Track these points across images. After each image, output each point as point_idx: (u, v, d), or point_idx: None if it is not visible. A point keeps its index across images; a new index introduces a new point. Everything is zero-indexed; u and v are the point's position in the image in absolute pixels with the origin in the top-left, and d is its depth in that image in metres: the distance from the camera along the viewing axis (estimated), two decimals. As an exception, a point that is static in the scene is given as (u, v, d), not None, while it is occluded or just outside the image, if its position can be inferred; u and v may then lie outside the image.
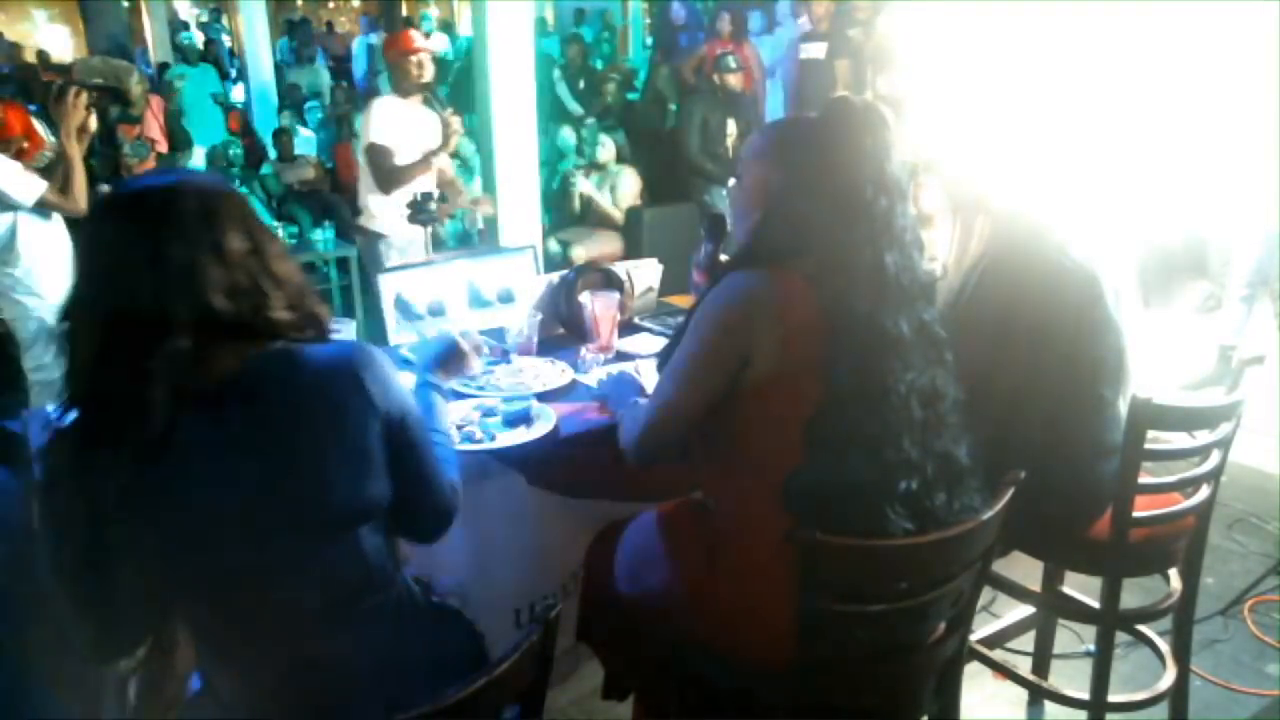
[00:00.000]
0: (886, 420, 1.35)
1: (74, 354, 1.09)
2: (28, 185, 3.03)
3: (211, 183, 1.17)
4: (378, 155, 3.62)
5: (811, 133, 1.47)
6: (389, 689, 1.20)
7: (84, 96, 3.07)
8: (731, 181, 1.56)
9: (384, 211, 3.70)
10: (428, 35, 9.65)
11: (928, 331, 1.42)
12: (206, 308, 1.08)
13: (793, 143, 1.49)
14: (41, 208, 3.09)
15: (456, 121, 3.66)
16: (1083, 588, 2.02)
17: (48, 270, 3.17)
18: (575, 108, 6.93)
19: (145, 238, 1.08)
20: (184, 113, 7.85)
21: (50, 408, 2.03)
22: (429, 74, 3.68)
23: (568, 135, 6.00)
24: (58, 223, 3.20)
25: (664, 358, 1.56)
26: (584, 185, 5.44)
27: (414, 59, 3.63)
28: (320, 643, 1.18)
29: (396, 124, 3.62)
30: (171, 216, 1.09)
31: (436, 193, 3.44)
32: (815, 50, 5.95)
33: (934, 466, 1.38)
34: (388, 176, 3.61)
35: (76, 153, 3.09)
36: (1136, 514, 1.78)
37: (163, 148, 5.46)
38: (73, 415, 1.09)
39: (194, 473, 1.08)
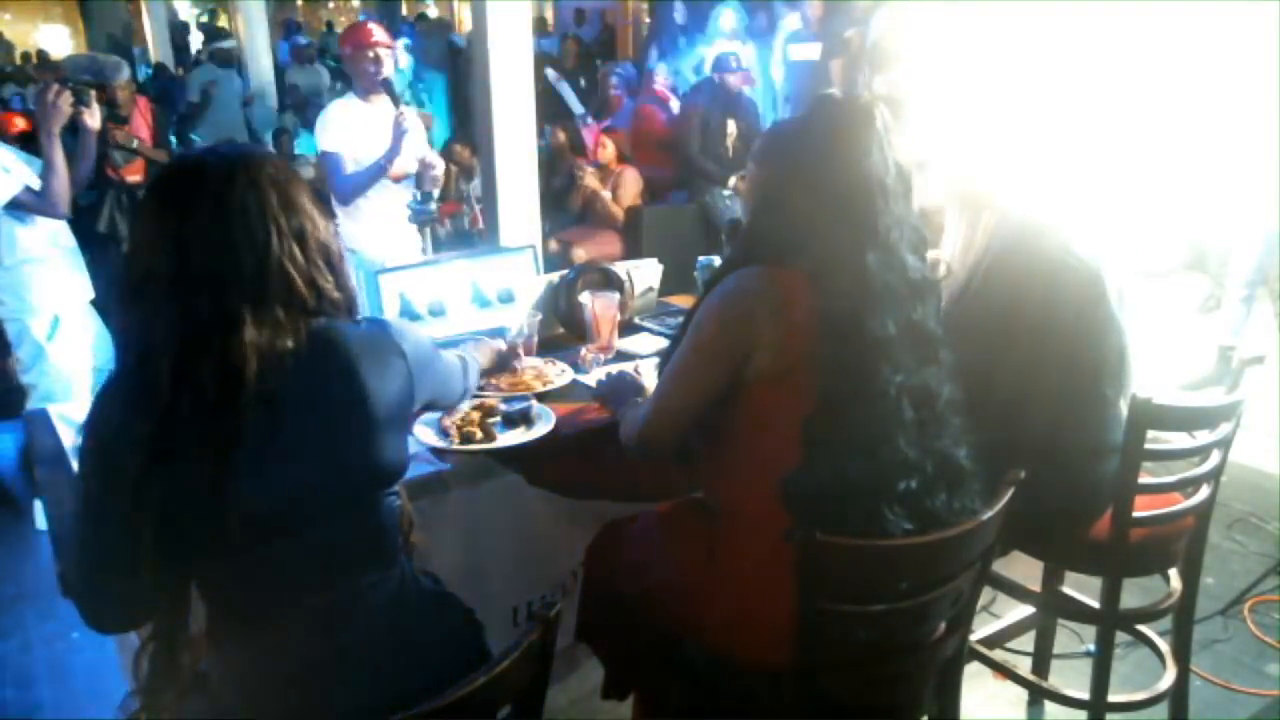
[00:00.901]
0: (878, 421, 1.35)
1: (141, 322, 1.13)
2: None
3: (273, 155, 1.25)
4: (327, 164, 3.37)
5: (792, 133, 1.50)
6: (387, 668, 1.22)
7: (66, 95, 2.95)
8: (727, 200, 1.59)
9: (352, 230, 3.37)
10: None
11: (919, 331, 1.41)
12: (284, 280, 1.15)
13: (776, 143, 1.51)
14: (18, 209, 2.95)
15: (410, 116, 3.28)
16: (1083, 588, 2.02)
17: (37, 274, 3.07)
18: (577, 107, 6.94)
19: (217, 211, 1.13)
20: (218, 115, 7.85)
21: (50, 409, 2.05)
22: (387, 69, 3.38)
23: (559, 136, 6.02)
24: (50, 224, 3.08)
25: (665, 358, 1.57)
26: (590, 179, 5.44)
27: (370, 53, 3.32)
28: (325, 609, 1.20)
29: (352, 128, 3.33)
30: (252, 189, 1.15)
31: (436, 191, 3.40)
32: (807, 51, 5.95)
33: (934, 466, 1.38)
34: (338, 187, 3.34)
35: (57, 153, 2.95)
36: (1136, 514, 1.78)
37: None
38: (118, 382, 1.14)
39: (249, 437, 1.11)
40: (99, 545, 1.13)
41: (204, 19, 14.98)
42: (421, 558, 1.39)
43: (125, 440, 1.09)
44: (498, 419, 1.91)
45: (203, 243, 1.13)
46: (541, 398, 2.03)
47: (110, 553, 1.12)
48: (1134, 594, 1.95)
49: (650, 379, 1.89)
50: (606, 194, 5.44)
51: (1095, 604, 1.90)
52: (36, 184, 2.97)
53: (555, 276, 2.55)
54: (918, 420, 1.38)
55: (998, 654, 2.16)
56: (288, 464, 1.13)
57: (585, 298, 2.34)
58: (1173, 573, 1.98)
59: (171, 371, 1.09)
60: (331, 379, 1.17)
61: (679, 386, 1.47)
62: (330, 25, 15.38)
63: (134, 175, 4.35)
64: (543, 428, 1.90)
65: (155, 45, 11.29)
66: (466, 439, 1.84)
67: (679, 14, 7.57)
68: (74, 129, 3.12)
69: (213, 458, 1.09)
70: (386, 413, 1.21)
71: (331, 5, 17.80)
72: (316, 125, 3.44)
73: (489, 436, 1.85)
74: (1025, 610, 2.29)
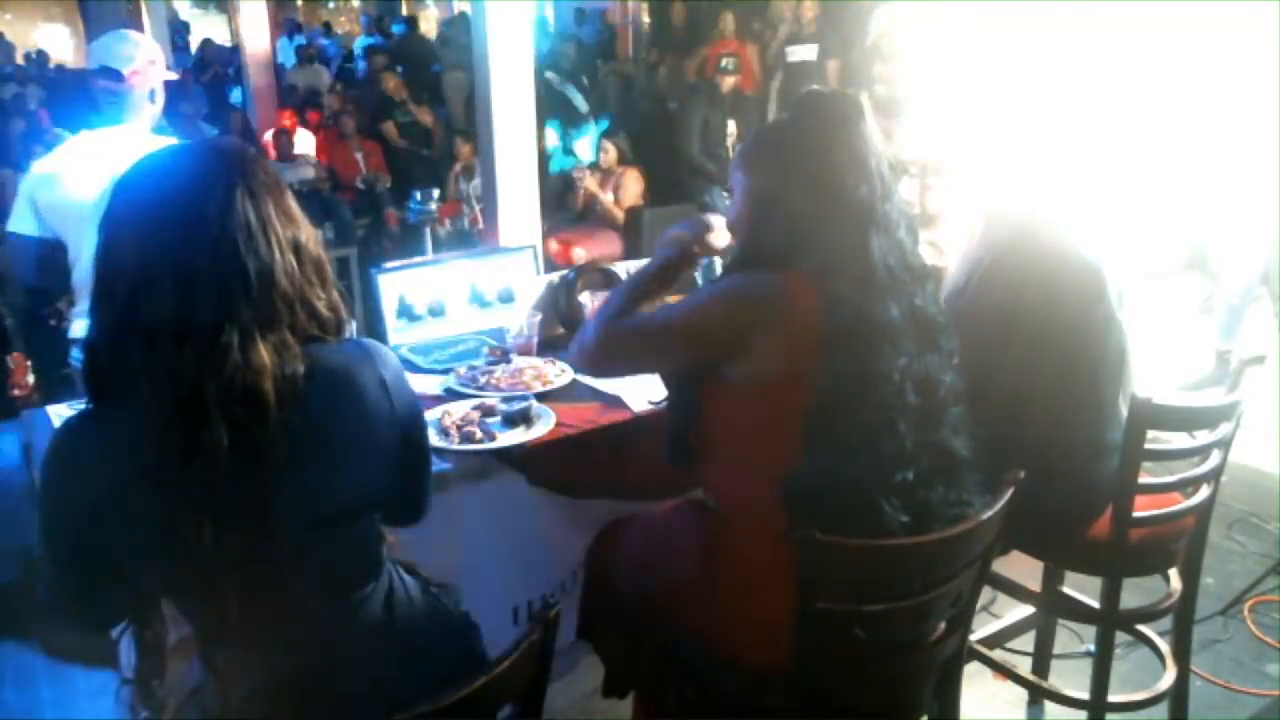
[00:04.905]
0: (882, 407, 1.35)
1: (129, 349, 1.04)
2: None
3: (260, 155, 1.16)
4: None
5: (785, 133, 1.50)
6: (383, 676, 1.21)
7: None
8: (726, 201, 1.58)
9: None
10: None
11: (921, 317, 1.42)
12: (286, 299, 1.09)
13: (769, 146, 1.51)
14: None
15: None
16: (1083, 588, 2.02)
17: None
18: (583, 105, 6.95)
19: (224, 221, 1.05)
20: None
21: (49, 409, 2.05)
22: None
23: (551, 138, 6.03)
24: None
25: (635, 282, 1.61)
26: (589, 182, 5.46)
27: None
28: (317, 631, 1.18)
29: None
30: (252, 198, 1.08)
31: (436, 191, 3.39)
32: (804, 52, 5.95)
33: (930, 458, 1.39)
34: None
35: None
36: (1136, 514, 1.78)
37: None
38: (97, 418, 1.07)
39: (227, 466, 1.04)
40: (68, 577, 1.13)
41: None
42: (396, 550, 1.37)
43: (106, 484, 1.04)
44: (498, 419, 1.91)
45: (211, 259, 1.04)
46: (541, 398, 2.03)
47: (81, 581, 1.12)
48: (1134, 594, 1.95)
49: (648, 383, 1.86)
50: (607, 197, 5.45)
51: (1095, 604, 1.90)
52: None
53: (555, 276, 2.55)
54: (919, 408, 1.38)
55: (998, 654, 2.16)
56: (284, 493, 1.08)
57: (585, 298, 2.34)
58: (1173, 573, 1.98)
59: (180, 404, 1.01)
60: (325, 405, 1.11)
61: (651, 340, 1.51)
62: (329, 25, 15.39)
63: None
64: (543, 428, 1.90)
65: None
66: (466, 439, 1.84)
67: (678, 16, 7.59)
68: None
69: (218, 489, 1.03)
70: (367, 441, 1.17)
71: (331, 5, 17.79)
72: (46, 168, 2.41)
73: (489, 436, 1.85)
74: (1025, 610, 2.29)
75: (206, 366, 1.03)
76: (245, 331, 1.05)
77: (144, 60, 2.41)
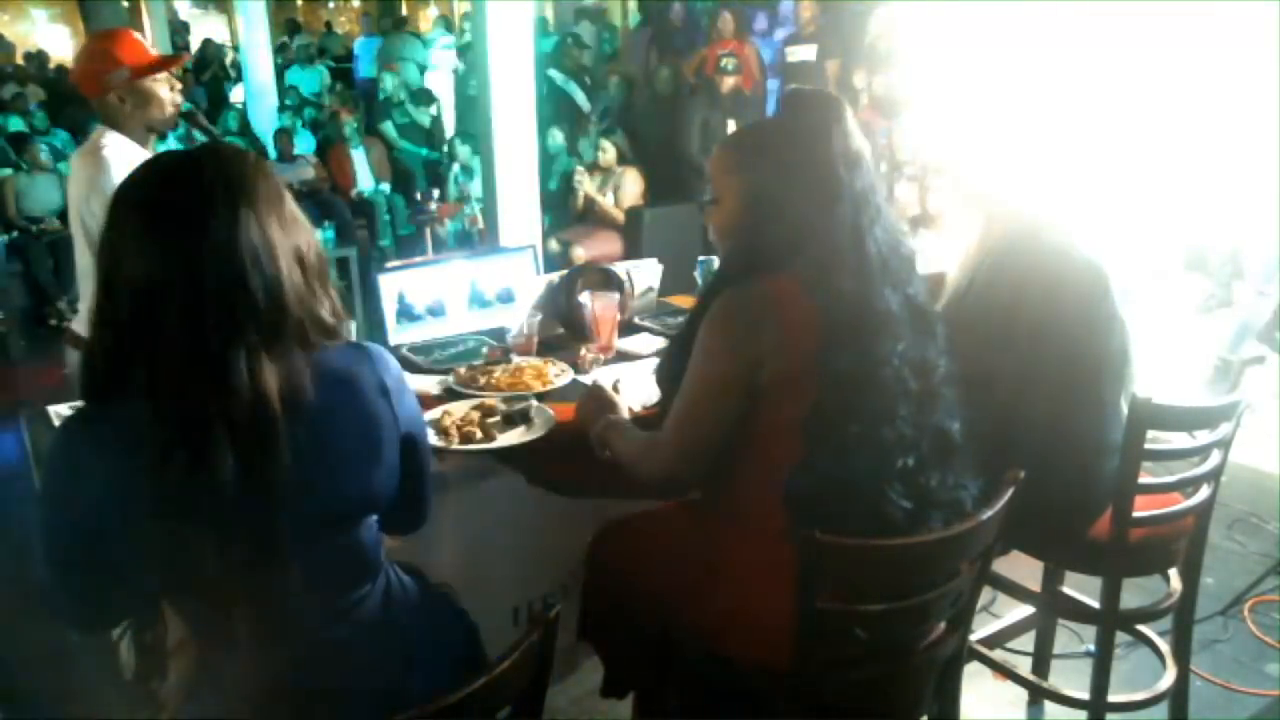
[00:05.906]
0: (882, 395, 1.36)
1: (121, 345, 1.04)
2: None
3: (261, 159, 1.16)
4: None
5: (774, 132, 1.50)
6: (381, 675, 1.21)
7: None
8: (709, 207, 1.55)
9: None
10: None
11: (915, 304, 1.44)
12: (292, 308, 1.08)
13: (759, 146, 1.50)
14: None
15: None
16: (1083, 588, 2.02)
17: None
18: (585, 103, 6.95)
19: (230, 230, 1.04)
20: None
21: (50, 409, 2.04)
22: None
23: (557, 137, 6.02)
24: None
25: (664, 369, 1.56)
26: (587, 185, 5.46)
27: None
28: (315, 632, 1.18)
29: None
30: (252, 206, 1.07)
31: (436, 192, 3.39)
32: (804, 53, 5.96)
33: (928, 443, 1.40)
34: None
35: None
36: (1136, 514, 1.78)
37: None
38: (99, 423, 1.07)
39: (228, 469, 1.04)
40: (69, 578, 1.12)
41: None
42: (396, 550, 1.37)
43: (107, 484, 1.04)
44: (498, 419, 1.91)
45: (218, 268, 1.03)
46: (541, 398, 2.03)
47: (81, 582, 1.12)
48: (1134, 594, 1.95)
49: (642, 383, 1.85)
50: (606, 199, 5.46)
51: (1095, 604, 1.90)
52: None
53: (555, 276, 2.55)
54: (917, 393, 1.39)
55: (998, 654, 2.16)
56: (284, 494, 1.08)
57: (585, 298, 2.34)
58: (1173, 573, 1.98)
59: (185, 425, 1.02)
60: (326, 407, 1.12)
61: (701, 418, 1.45)
62: (330, 25, 15.38)
63: None
64: (543, 428, 1.89)
65: (155, 45, 11.27)
66: (466, 439, 1.83)
67: (677, 15, 7.58)
68: None
69: (219, 491, 1.02)
70: (369, 444, 1.17)
71: (331, 5, 17.78)
72: (81, 171, 2.24)
73: (489, 436, 1.85)
74: (1025, 610, 2.29)
75: (213, 389, 1.02)
76: (252, 352, 1.04)
77: (96, 64, 2.36)
